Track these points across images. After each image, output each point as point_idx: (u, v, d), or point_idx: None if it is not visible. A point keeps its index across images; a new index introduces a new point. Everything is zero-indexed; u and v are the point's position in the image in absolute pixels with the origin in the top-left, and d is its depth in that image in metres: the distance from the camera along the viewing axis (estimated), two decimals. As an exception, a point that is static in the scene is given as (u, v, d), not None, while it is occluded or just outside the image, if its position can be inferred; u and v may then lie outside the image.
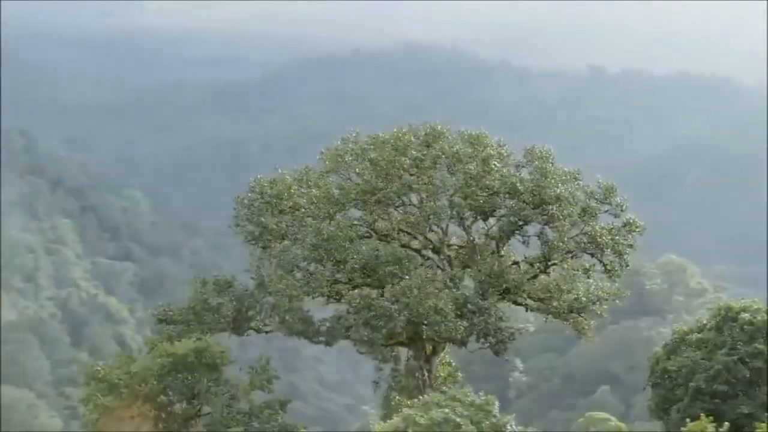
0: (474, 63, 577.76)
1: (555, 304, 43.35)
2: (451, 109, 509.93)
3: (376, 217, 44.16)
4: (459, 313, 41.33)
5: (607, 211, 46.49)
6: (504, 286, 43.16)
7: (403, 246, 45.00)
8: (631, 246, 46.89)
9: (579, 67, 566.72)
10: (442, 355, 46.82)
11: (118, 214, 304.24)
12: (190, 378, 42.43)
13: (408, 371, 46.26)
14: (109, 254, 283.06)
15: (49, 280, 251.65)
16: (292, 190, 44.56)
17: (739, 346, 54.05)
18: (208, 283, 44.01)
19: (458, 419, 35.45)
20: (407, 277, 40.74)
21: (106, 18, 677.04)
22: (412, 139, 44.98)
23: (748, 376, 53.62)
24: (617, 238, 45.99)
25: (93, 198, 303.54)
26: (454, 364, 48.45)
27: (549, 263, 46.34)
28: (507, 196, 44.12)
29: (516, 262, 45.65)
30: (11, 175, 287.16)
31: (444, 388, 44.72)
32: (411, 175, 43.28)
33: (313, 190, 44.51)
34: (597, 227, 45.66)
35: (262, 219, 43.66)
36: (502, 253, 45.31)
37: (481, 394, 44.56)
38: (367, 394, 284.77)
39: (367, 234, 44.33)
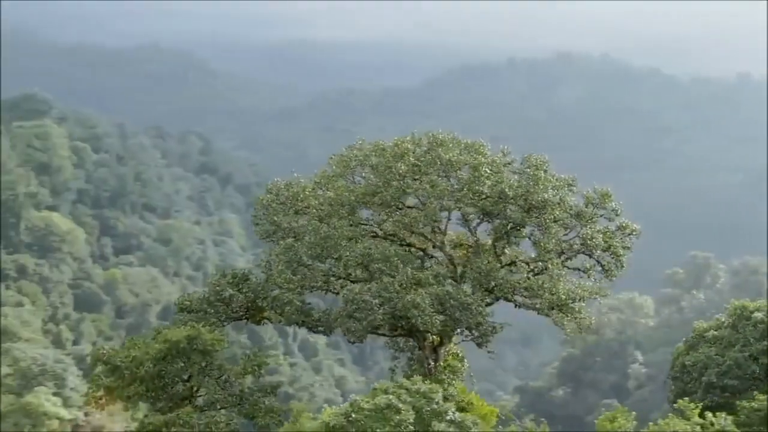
0: (624, 70, 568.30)
1: (538, 301, 43.61)
2: (601, 115, 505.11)
3: (386, 218, 45.09)
4: (442, 308, 41.91)
5: (603, 215, 46.60)
6: (492, 284, 43.61)
7: (407, 245, 46.04)
8: (627, 248, 46.95)
9: (727, 74, 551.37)
10: (451, 346, 47.26)
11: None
12: (183, 363, 43.10)
13: (417, 361, 47.21)
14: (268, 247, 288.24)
15: (215, 270, 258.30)
16: (307, 192, 46.03)
17: (751, 343, 53.57)
18: (227, 276, 45.67)
19: (401, 405, 36.14)
20: (397, 274, 41.61)
21: (283, 30, 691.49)
22: (409, 146, 45.92)
23: (758, 372, 52.95)
24: (613, 240, 46.04)
25: (259, 195, 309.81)
26: (460, 355, 48.55)
27: (547, 264, 46.74)
28: (498, 200, 44.52)
29: (513, 263, 45.95)
30: (188, 173, 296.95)
31: (442, 377, 45.26)
32: (407, 179, 44.03)
33: (329, 192, 45.70)
34: (591, 230, 45.74)
35: (275, 218, 45.28)
36: (500, 253, 45.62)
37: (455, 384, 45.37)
38: (506, 381, 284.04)
39: (373, 234, 45.41)
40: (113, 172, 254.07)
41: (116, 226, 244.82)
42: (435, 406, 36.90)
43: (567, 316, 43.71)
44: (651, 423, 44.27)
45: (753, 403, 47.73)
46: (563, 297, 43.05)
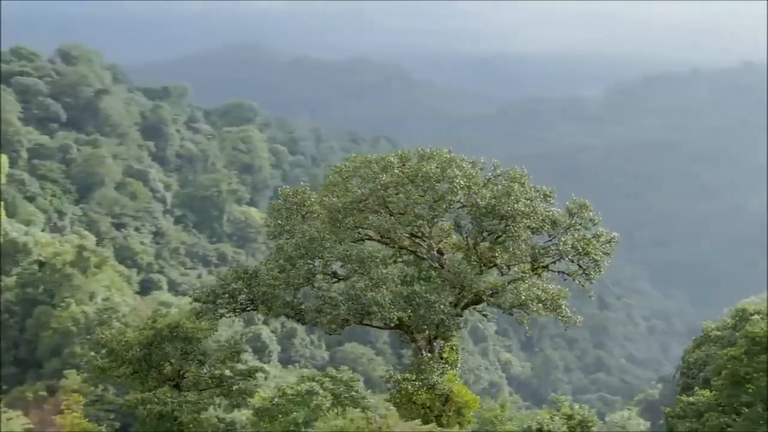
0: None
1: (501, 300, 43.47)
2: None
3: (382, 223, 45.49)
4: (408, 305, 42.21)
5: (580, 224, 46.01)
6: (462, 284, 43.68)
7: (401, 248, 46.60)
8: (607, 254, 46.39)
9: None
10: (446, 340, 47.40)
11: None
12: (168, 348, 43.87)
13: (414, 353, 47.68)
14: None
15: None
16: (313, 199, 47.14)
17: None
18: (238, 272, 46.95)
19: (321, 391, 36.84)
20: (367, 274, 42.22)
21: (480, 44, 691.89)
22: (393, 160, 46.37)
23: None
24: (589, 247, 45.52)
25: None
26: (455, 348, 48.56)
27: (535, 267, 46.56)
28: (472, 210, 44.61)
29: (495, 265, 45.85)
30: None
31: (433, 367, 45.37)
32: (389, 190, 44.51)
33: (330, 199, 46.53)
34: (565, 238, 45.30)
35: (279, 222, 46.56)
36: (482, 256, 45.56)
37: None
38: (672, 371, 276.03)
39: (367, 237, 46.07)
40: (307, 172, 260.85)
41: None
42: (354, 393, 37.49)
43: (525, 314, 43.64)
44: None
45: (690, 398, 47.27)
46: (523, 297, 42.82)
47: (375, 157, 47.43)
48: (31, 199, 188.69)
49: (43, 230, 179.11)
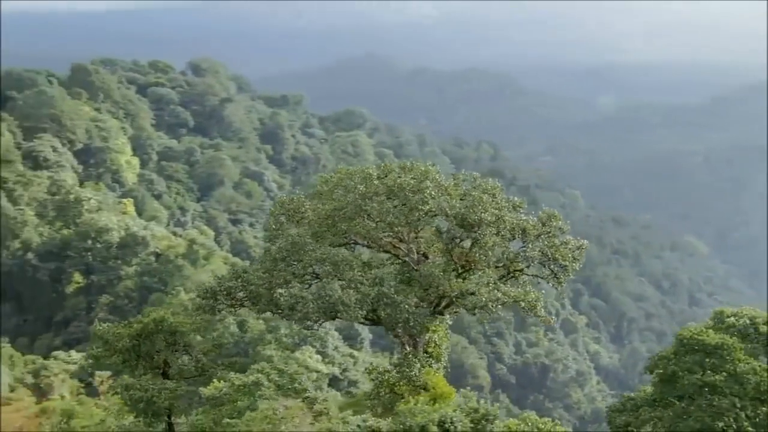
0: None
1: (465, 302, 43.37)
2: None
3: (359, 229, 45.97)
4: (377, 305, 42.54)
5: (549, 232, 45.62)
6: (430, 287, 43.73)
7: (386, 251, 46.99)
8: (577, 260, 45.98)
9: None
10: (430, 336, 47.39)
11: (557, 208, 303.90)
12: (154, 340, 44.83)
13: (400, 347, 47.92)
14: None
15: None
16: (307, 206, 47.75)
17: None
18: (237, 271, 47.66)
19: (265, 382, 37.38)
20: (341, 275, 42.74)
21: (588, 53, 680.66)
22: (371, 172, 46.61)
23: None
24: (557, 253, 45.16)
25: (538, 195, 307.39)
26: (438, 344, 48.39)
27: (510, 271, 46.36)
28: (442, 218, 44.71)
29: (469, 269, 45.68)
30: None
31: (414, 361, 45.56)
32: (366, 199, 44.86)
33: (318, 206, 47.19)
34: (533, 245, 45.04)
35: (273, 226, 47.33)
36: (457, 261, 45.46)
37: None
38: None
39: (353, 241, 46.52)
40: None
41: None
42: (297, 386, 37.94)
43: (488, 315, 43.55)
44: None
45: (631, 394, 47.45)
46: (484, 300, 42.67)
47: (357, 169, 47.89)
48: (157, 196, 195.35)
49: (167, 225, 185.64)
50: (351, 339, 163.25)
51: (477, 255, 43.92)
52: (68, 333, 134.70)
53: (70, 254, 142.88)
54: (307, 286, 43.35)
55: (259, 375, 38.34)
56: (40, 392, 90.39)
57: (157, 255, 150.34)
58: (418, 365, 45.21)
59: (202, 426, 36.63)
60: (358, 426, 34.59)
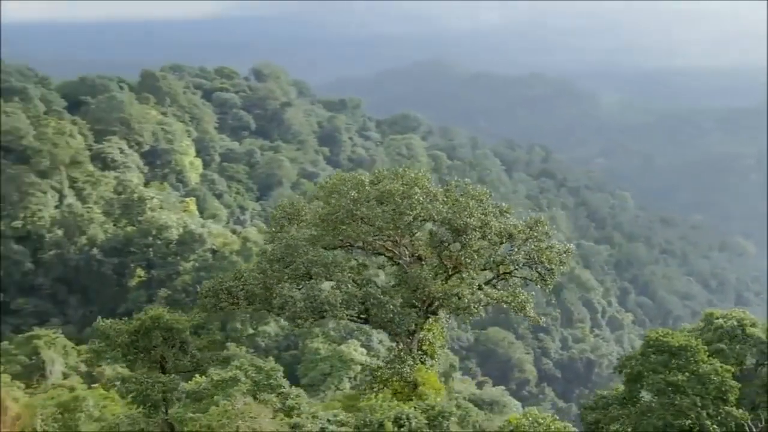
0: None
1: (450, 303, 43.21)
2: None
3: (350, 233, 45.85)
4: (363, 305, 42.56)
5: (536, 237, 45.14)
6: (417, 289, 43.58)
7: (380, 254, 46.92)
8: (564, 263, 45.62)
9: None
10: (425, 334, 47.22)
11: (606, 208, 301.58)
12: (152, 336, 44.90)
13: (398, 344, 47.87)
14: (593, 238, 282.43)
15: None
16: (306, 210, 47.89)
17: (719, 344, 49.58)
18: (238, 272, 47.81)
19: (243, 378, 37.48)
20: (330, 277, 42.80)
21: (644, 59, 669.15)
22: (363, 179, 46.61)
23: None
24: (542, 256, 44.82)
25: (588, 196, 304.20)
26: (432, 341, 48.20)
27: (500, 274, 46.06)
28: (430, 223, 44.54)
29: (459, 271, 45.47)
30: (527, 177, 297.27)
31: (407, 358, 45.52)
32: (357, 204, 44.80)
33: (320, 210, 47.24)
34: (518, 249, 44.73)
35: (273, 229, 47.59)
36: (446, 263, 45.27)
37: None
38: None
39: (348, 243, 46.46)
40: (463, 176, 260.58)
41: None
42: (273, 381, 38.03)
43: (471, 316, 43.44)
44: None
45: (603, 392, 47.68)
46: (466, 301, 42.48)
47: (350, 175, 47.97)
48: (218, 196, 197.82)
49: (227, 223, 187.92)
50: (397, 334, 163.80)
51: (464, 258, 43.55)
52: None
53: (132, 250, 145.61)
54: (299, 286, 43.51)
55: (237, 371, 38.54)
56: (92, 380, 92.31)
57: (214, 251, 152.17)
58: (410, 362, 45.12)
59: (179, 418, 37.01)
60: (328, 420, 34.67)
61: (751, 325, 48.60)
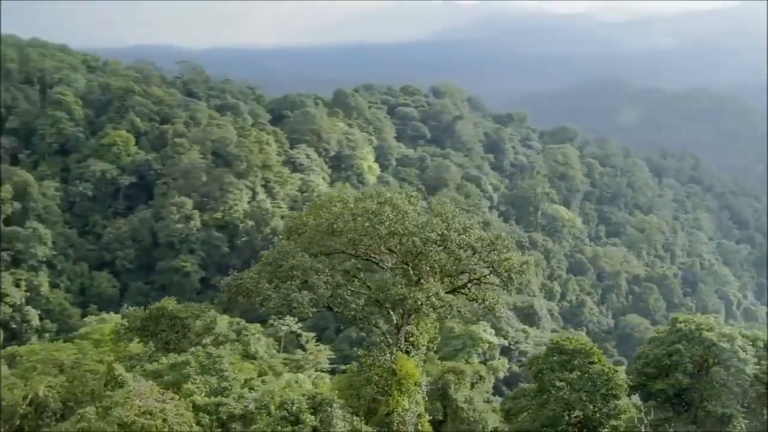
0: None
1: (404, 304, 40.18)
2: None
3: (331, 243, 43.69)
4: (332, 304, 40.76)
5: (497, 249, 41.05)
6: (381, 290, 40.91)
7: (368, 260, 44.27)
8: (521, 272, 41.67)
9: None
10: (410, 328, 44.19)
11: (749, 211, 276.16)
12: (157, 322, 44.65)
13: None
14: (734, 238, 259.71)
15: (682, 252, 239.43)
16: (310, 222, 45.37)
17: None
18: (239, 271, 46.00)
19: (193, 362, 35.94)
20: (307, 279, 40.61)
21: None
22: (349, 198, 44.09)
23: (669, 364, 48.75)
24: (500, 267, 41.04)
25: (732, 200, 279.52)
26: (416, 334, 44.77)
27: (471, 279, 42.58)
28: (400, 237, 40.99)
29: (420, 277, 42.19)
30: (675, 183, 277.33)
31: (387, 348, 42.96)
32: (339, 218, 42.00)
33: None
34: (477, 259, 40.87)
35: (279, 236, 45.55)
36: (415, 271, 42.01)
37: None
38: None
39: (340, 251, 43.88)
40: (613, 181, 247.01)
41: (610, 218, 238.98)
42: (216, 366, 36.78)
43: (428, 316, 40.49)
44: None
45: (525, 386, 49.46)
46: (419, 304, 39.33)
47: (336, 195, 45.51)
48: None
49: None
50: (529, 317, 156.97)
51: (424, 266, 40.21)
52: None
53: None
54: (276, 288, 41.64)
55: (189, 356, 37.22)
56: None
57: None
58: (389, 351, 42.43)
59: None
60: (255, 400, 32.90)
61: (707, 330, 47.14)
